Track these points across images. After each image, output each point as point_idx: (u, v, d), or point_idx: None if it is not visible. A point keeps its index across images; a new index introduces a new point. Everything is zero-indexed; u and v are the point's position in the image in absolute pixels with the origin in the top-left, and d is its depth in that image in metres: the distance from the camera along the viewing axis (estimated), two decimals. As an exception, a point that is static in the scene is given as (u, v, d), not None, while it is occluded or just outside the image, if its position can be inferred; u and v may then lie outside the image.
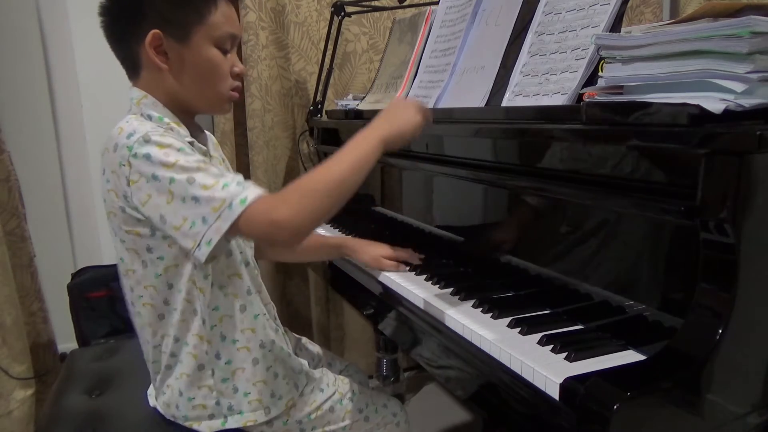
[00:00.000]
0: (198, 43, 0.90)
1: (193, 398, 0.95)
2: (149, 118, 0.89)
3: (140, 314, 0.95)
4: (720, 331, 0.63)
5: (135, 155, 0.81)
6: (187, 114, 0.96)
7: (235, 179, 0.81)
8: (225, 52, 0.93)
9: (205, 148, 0.95)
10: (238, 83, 0.97)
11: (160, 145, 0.81)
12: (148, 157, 0.80)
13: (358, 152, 0.87)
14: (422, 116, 0.95)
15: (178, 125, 0.91)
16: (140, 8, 0.88)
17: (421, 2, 1.82)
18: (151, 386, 1.03)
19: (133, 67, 0.92)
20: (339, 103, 1.85)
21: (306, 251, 1.30)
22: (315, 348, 1.27)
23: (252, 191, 0.80)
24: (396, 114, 0.94)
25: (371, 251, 1.21)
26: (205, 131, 1.03)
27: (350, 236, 1.46)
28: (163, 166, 0.80)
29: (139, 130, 0.82)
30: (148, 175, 0.80)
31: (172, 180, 0.80)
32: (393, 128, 0.91)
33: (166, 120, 0.90)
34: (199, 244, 0.80)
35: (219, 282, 0.94)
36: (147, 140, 0.81)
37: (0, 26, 1.75)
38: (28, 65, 1.81)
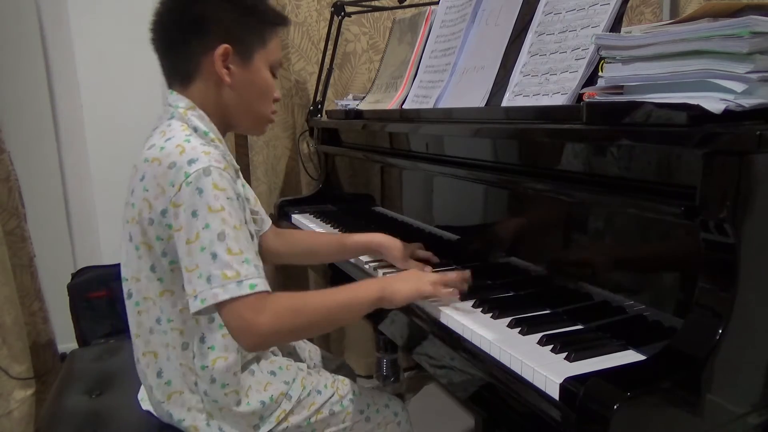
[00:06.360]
0: (257, 65, 0.95)
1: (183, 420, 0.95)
2: (195, 129, 0.90)
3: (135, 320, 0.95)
4: (720, 331, 0.63)
5: (189, 183, 0.81)
6: (225, 129, 0.98)
7: (255, 258, 0.82)
8: (274, 77, 0.98)
9: (237, 166, 0.97)
10: (276, 108, 1.02)
11: (215, 185, 0.82)
12: (200, 191, 0.81)
13: (355, 295, 0.90)
14: (430, 291, 0.92)
15: (220, 141, 0.93)
16: (208, 23, 0.90)
17: (421, 2, 1.83)
18: (142, 390, 1.02)
19: (186, 75, 0.93)
20: (339, 103, 1.85)
21: (330, 255, 1.25)
22: (309, 347, 1.26)
23: (262, 282, 0.81)
24: (406, 280, 0.94)
25: (404, 249, 1.15)
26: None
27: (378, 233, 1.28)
28: (208, 207, 0.81)
29: (201, 160, 0.82)
30: (190, 208, 0.81)
31: (206, 225, 0.80)
32: (390, 290, 0.91)
33: (211, 135, 0.92)
34: (195, 296, 0.80)
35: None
36: (207, 174, 0.82)
37: (0, 26, 1.75)
38: (28, 65, 1.81)
